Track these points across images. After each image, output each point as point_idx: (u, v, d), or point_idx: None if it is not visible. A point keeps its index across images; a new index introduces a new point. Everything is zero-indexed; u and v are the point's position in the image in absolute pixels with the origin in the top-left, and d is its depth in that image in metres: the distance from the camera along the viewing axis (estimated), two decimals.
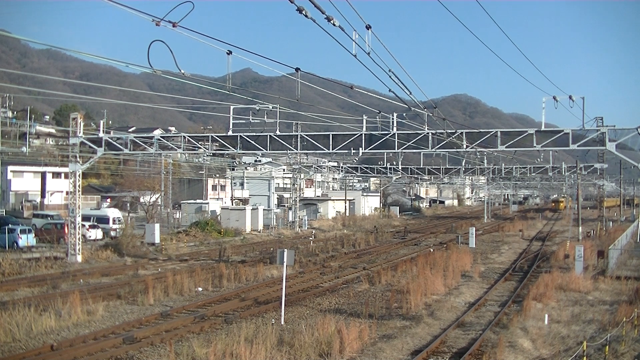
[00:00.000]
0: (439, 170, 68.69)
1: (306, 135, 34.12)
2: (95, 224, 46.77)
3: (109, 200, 74.16)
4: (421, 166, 66.74)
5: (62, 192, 68.70)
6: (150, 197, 58.37)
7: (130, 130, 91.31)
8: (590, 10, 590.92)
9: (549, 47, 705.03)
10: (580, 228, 53.72)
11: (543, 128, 29.80)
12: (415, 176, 75.93)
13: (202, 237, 50.25)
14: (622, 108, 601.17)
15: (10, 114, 76.45)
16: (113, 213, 50.84)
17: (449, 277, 29.60)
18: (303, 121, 40.68)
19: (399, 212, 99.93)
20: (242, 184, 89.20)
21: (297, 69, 18.14)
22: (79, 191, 36.14)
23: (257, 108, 31.88)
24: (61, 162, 63.38)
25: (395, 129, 32.15)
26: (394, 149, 33.13)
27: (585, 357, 15.61)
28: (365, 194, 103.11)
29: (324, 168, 75.77)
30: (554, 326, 20.27)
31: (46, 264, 32.52)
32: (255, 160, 66.42)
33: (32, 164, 68.55)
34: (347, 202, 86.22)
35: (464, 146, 31.54)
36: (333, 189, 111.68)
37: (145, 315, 21.16)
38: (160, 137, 40.01)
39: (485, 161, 59.80)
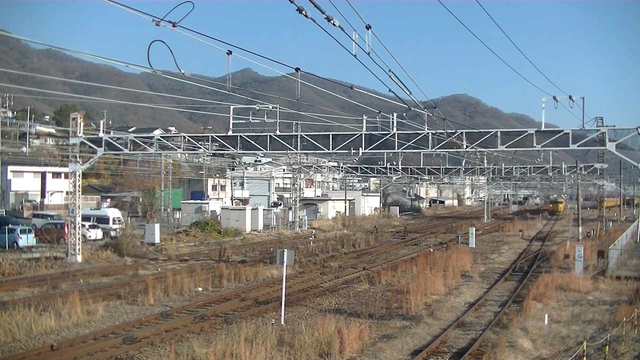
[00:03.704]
0: (439, 170, 68.67)
1: (306, 135, 34.09)
2: (95, 224, 46.82)
3: (109, 200, 74.22)
4: (421, 166, 66.72)
5: (62, 192, 68.74)
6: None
7: (130, 130, 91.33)
8: (590, 10, 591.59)
9: (549, 47, 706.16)
10: (580, 228, 53.76)
11: (543, 128, 29.76)
12: (415, 176, 75.88)
13: (202, 237, 50.21)
14: (622, 108, 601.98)
15: (10, 114, 76.51)
16: (113, 213, 50.88)
17: (449, 277, 29.59)
18: (303, 121, 40.64)
19: (399, 212, 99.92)
20: (242, 184, 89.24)
21: (297, 69, 18.13)
22: (79, 191, 36.14)
23: (257, 108, 31.85)
24: (61, 162, 63.38)
25: (395, 129, 32.12)
26: (394, 149, 33.09)
27: (585, 357, 15.62)
28: (365, 194, 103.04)
29: (324, 168, 75.76)
30: (554, 326, 20.27)
31: (46, 264, 32.50)
32: (255, 160, 66.45)
33: (32, 164, 68.55)
34: (347, 202, 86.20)
35: (464, 146, 31.52)
36: (333, 189, 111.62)
37: (145, 315, 21.16)
38: (160, 137, 40.00)
39: (485, 161, 59.78)
